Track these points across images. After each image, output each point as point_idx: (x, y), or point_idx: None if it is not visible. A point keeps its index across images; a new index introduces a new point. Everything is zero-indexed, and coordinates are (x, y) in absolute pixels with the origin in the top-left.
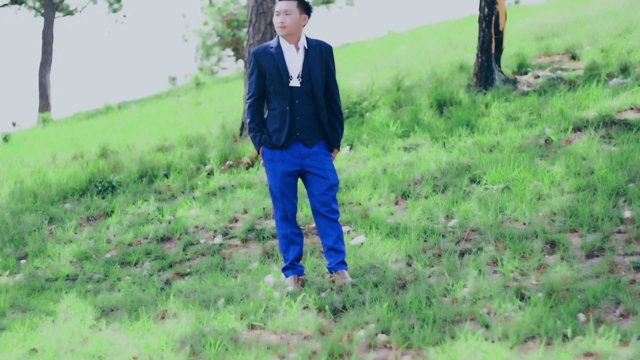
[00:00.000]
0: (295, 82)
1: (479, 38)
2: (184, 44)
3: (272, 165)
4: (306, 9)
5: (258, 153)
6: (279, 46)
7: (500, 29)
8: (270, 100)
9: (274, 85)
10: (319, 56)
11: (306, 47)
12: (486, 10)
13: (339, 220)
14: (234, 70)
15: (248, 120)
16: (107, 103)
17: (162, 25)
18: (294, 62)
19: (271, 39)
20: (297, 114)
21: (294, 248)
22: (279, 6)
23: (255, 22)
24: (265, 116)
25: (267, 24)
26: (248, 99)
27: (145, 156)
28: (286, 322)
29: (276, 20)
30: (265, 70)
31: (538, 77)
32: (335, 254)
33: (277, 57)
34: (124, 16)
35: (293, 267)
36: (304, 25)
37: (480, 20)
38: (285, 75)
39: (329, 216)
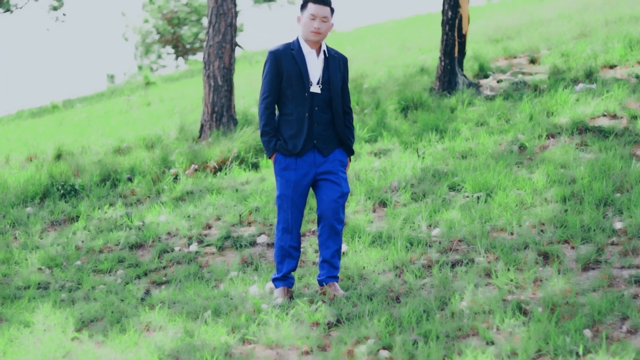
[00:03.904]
0: (315, 88)
1: (442, 41)
2: (119, 41)
3: (286, 173)
4: (332, 16)
5: (269, 158)
6: (300, 49)
7: (464, 32)
8: (285, 104)
9: (292, 89)
10: (338, 66)
11: (326, 55)
12: (449, 13)
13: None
14: (173, 69)
15: (262, 123)
16: (54, 102)
17: (100, 23)
18: (315, 67)
19: (231, 40)
20: (315, 121)
21: (290, 261)
22: (316, 10)
23: (215, 23)
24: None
25: (227, 25)
26: (263, 100)
27: (105, 158)
28: (281, 336)
29: (310, 25)
30: (283, 72)
31: (501, 80)
32: (330, 267)
33: (299, 60)
34: (64, 14)
35: (285, 279)
36: None
37: (444, 24)
38: (307, 80)
39: (335, 225)
